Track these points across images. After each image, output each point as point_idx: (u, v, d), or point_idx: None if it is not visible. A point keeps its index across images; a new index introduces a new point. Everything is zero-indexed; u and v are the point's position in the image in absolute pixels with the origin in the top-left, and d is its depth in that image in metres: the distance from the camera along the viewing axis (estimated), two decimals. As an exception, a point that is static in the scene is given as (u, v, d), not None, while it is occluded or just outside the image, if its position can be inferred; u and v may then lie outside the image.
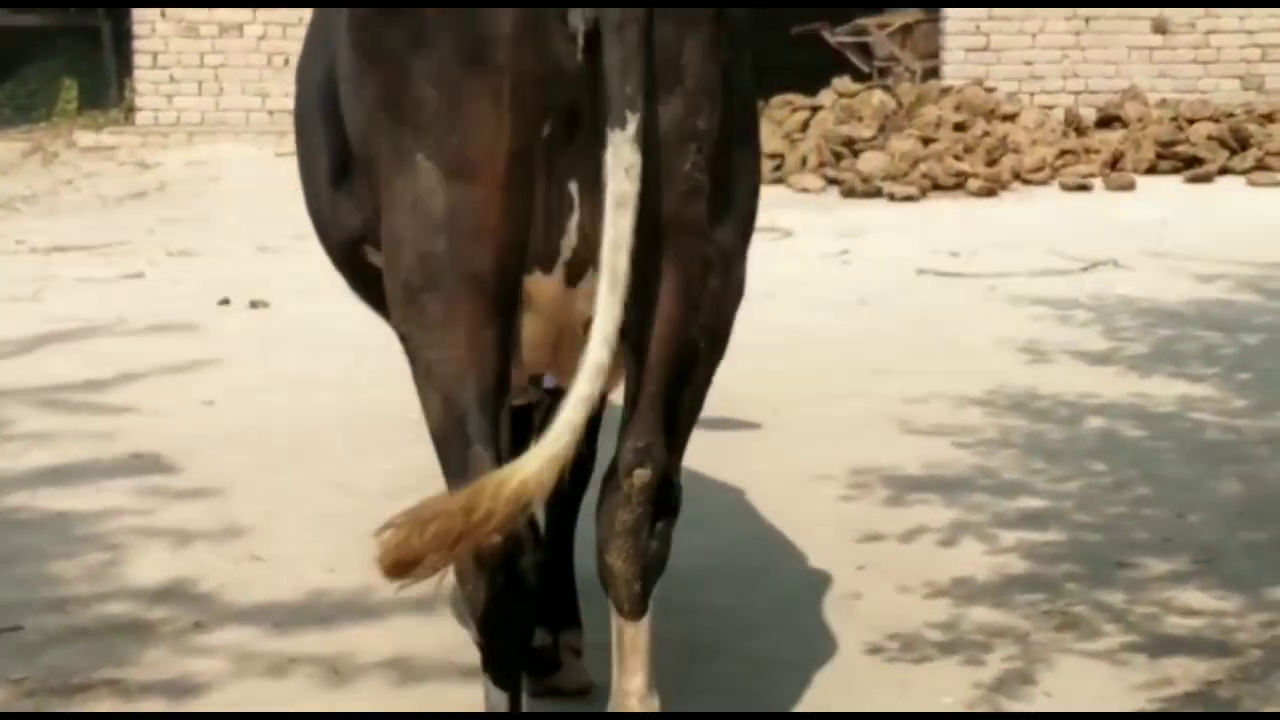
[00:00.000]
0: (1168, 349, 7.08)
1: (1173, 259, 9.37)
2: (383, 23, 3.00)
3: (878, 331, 7.54)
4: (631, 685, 3.08)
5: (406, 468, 4.77)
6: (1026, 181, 12.26)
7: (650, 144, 2.86)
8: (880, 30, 15.45)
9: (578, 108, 2.91)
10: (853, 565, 4.40)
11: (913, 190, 11.69)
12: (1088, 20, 14.63)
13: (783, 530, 4.72)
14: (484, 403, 3.00)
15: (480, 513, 2.73)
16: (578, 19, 2.85)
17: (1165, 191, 11.97)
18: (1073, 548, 4.52)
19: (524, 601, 3.06)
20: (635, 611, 3.06)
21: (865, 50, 15.45)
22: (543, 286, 3.05)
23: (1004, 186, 12.05)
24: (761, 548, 4.62)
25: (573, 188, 2.96)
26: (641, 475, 3.03)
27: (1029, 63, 14.69)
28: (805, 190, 12.02)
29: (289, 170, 13.45)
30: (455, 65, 2.92)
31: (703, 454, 3.95)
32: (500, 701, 3.09)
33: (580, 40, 2.86)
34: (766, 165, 11.92)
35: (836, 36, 15.40)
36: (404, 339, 3.08)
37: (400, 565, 2.77)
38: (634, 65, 2.84)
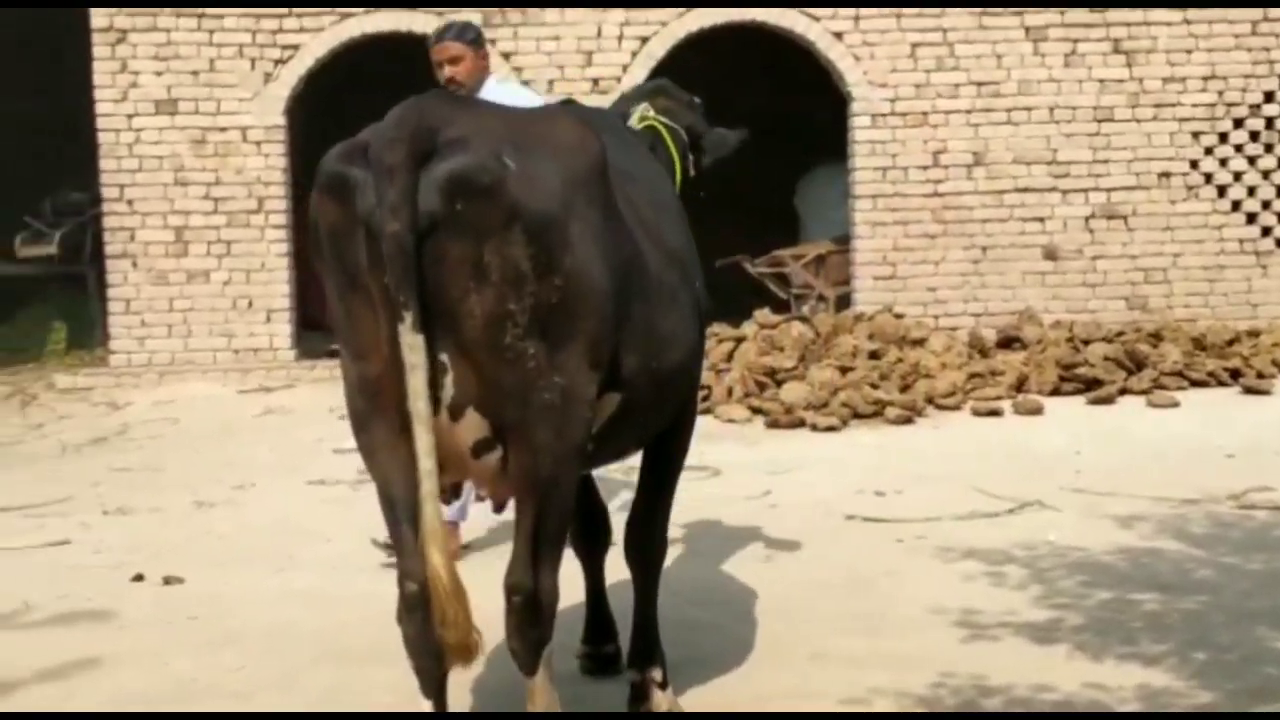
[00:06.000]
0: (1113, 619, 5.66)
1: (1090, 495, 7.99)
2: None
3: (809, 599, 6.10)
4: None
5: None
6: (940, 406, 10.88)
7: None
8: (795, 261, 14.48)
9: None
10: None
11: (834, 420, 10.30)
12: (985, 249, 13.63)
13: None
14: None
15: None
16: None
17: (1072, 415, 10.59)
18: None
19: None
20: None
21: (783, 279, 14.50)
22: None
23: (919, 413, 10.67)
24: None
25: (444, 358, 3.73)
26: (518, 599, 3.85)
27: (932, 289, 13.68)
28: (731, 421, 10.61)
29: (248, 406, 11.95)
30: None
31: None
32: None
33: None
34: (695, 396, 10.55)
35: (756, 268, 14.50)
36: None
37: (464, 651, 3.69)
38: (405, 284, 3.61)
